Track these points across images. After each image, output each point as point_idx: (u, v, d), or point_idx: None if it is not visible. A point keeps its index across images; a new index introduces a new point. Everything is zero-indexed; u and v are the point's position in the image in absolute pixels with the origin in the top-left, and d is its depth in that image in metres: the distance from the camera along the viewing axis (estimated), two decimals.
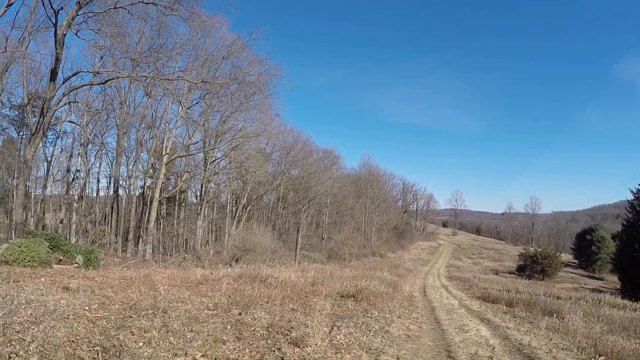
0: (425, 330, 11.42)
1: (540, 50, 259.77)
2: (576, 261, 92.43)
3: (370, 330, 9.66)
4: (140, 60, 25.76)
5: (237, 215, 45.62)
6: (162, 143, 34.85)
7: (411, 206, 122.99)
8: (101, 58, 31.12)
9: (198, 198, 44.97)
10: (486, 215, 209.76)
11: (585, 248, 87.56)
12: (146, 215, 34.97)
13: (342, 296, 14.43)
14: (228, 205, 49.81)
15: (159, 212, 39.88)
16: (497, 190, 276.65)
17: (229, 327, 8.14)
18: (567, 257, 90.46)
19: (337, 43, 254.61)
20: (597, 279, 72.24)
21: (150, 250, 33.26)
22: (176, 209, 45.69)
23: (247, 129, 38.94)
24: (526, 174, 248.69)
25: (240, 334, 7.84)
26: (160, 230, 40.20)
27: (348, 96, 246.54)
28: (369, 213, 76.26)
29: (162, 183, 38.39)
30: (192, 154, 38.72)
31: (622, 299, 24.83)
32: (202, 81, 24.40)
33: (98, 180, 43.68)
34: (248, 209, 48.07)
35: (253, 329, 8.33)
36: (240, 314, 9.42)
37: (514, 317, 15.30)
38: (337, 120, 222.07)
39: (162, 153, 34.25)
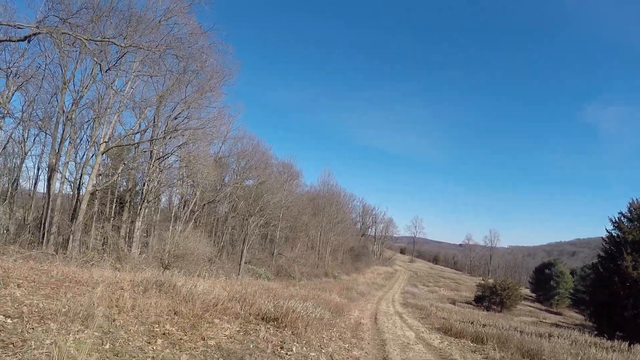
0: None
1: (507, 88, 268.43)
2: (533, 295, 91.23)
3: None
4: (69, 20, 21.70)
5: (184, 220, 41.24)
6: (102, 129, 30.56)
7: (369, 230, 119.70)
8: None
9: (136, 196, 40.51)
10: (444, 245, 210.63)
11: (543, 282, 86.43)
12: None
13: (263, 319, 10.56)
14: (172, 208, 45.79)
15: (102, 211, 35.62)
16: (456, 222, 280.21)
17: None
18: (524, 290, 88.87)
19: (305, 65, 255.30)
20: (555, 313, 70.76)
21: (77, 248, 28.83)
22: (116, 208, 41.01)
23: (198, 126, 34.82)
24: (485, 207, 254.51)
25: None
26: (98, 229, 35.59)
27: (312, 117, 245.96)
28: (325, 232, 72.39)
29: (101, 176, 34.11)
30: (129, 144, 34.18)
31: (595, 336, 21.91)
32: (132, 45, 20.43)
33: (38, 169, 38.70)
34: (195, 215, 43.71)
35: None
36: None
37: (487, 358, 11.76)
38: (300, 139, 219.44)
39: (99, 140, 29.96)
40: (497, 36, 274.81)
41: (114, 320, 7.08)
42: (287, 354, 7.54)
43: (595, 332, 27.92)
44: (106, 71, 25.98)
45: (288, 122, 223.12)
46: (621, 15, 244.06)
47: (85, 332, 6.07)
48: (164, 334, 7.11)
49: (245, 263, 44.20)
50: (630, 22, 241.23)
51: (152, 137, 34.74)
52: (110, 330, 6.45)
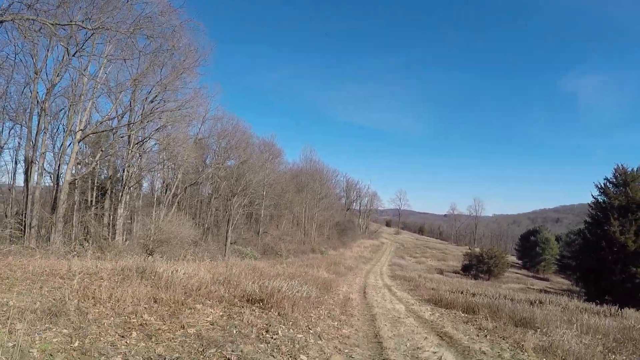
0: None
1: (489, 62, 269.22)
2: (519, 262, 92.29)
3: None
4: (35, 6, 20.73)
5: (167, 204, 40.54)
6: (78, 117, 29.62)
7: (354, 204, 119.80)
8: None
9: (116, 184, 39.66)
10: (429, 216, 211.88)
11: (529, 249, 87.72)
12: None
13: (248, 300, 10.18)
14: (154, 193, 45.09)
15: (84, 200, 34.78)
16: (440, 193, 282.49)
17: None
18: (510, 258, 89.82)
19: (281, 45, 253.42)
20: (542, 279, 71.74)
21: (59, 240, 28.07)
22: (98, 196, 40.10)
23: (175, 108, 33.92)
24: (469, 178, 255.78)
25: None
26: (80, 219, 34.75)
27: (292, 96, 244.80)
28: (309, 208, 72.08)
29: (80, 165, 33.34)
30: (105, 131, 33.24)
31: (584, 302, 21.95)
32: (100, 27, 19.62)
33: (15, 162, 37.60)
34: (178, 199, 43.02)
35: None
36: None
37: (480, 329, 11.46)
38: (280, 120, 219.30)
39: (75, 129, 29.05)
40: (475, 11, 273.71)
41: (87, 314, 6.63)
42: (272, 337, 7.14)
43: (585, 298, 28.00)
44: (73, 55, 25.15)
45: (268, 103, 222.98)
46: None
47: (54, 330, 5.63)
48: (141, 324, 6.69)
49: (231, 244, 43.82)
50: None
51: (129, 121, 33.90)
52: (82, 325, 6.00)
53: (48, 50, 27.12)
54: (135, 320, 6.89)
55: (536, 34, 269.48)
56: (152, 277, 11.09)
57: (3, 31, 23.55)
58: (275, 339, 7.06)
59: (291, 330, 7.85)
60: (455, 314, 14.46)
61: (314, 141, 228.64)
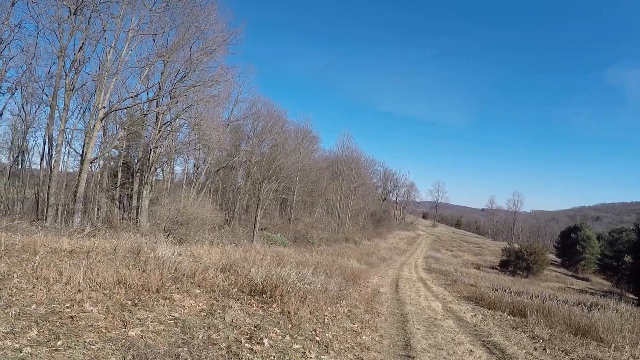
0: None
1: (531, 56, 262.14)
2: (558, 260, 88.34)
3: None
4: None
5: (195, 187, 39.19)
6: (101, 93, 28.27)
7: (391, 194, 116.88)
8: None
9: (145, 165, 38.47)
10: (466, 209, 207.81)
11: (569, 247, 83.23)
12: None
13: (251, 292, 8.25)
14: (184, 175, 43.95)
15: (112, 182, 33.91)
16: (478, 187, 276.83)
17: None
18: (549, 255, 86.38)
19: (320, 35, 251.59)
20: (582, 279, 68.09)
21: (78, 220, 26.88)
22: (127, 178, 39.07)
23: (202, 83, 32.26)
24: (507, 172, 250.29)
25: None
26: (101, 200, 33.74)
27: (332, 84, 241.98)
28: (344, 197, 69.94)
29: (103, 144, 32.34)
30: (127, 108, 31.77)
31: (637, 305, 19.31)
32: None
33: (44, 143, 37.15)
34: (207, 181, 41.61)
35: None
36: None
37: (534, 338, 9.38)
38: (319, 108, 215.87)
39: (97, 106, 27.72)
40: (519, 4, 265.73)
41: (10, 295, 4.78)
42: (252, 349, 5.09)
43: (638, 301, 25.04)
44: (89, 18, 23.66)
45: (305, 91, 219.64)
46: None
47: None
48: (70, 318, 4.80)
49: (261, 230, 42.26)
50: None
51: (155, 100, 32.43)
52: None
53: (73, 28, 25.70)
54: (68, 310, 5.03)
55: (580, 26, 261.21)
56: (142, 259, 9.35)
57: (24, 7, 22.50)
58: (254, 353, 5.01)
59: (287, 338, 5.80)
60: (500, 316, 12.28)
61: (353, 130, 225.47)
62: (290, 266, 10.13)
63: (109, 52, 27.37)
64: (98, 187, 36.01)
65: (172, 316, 5.72)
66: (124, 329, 4.89)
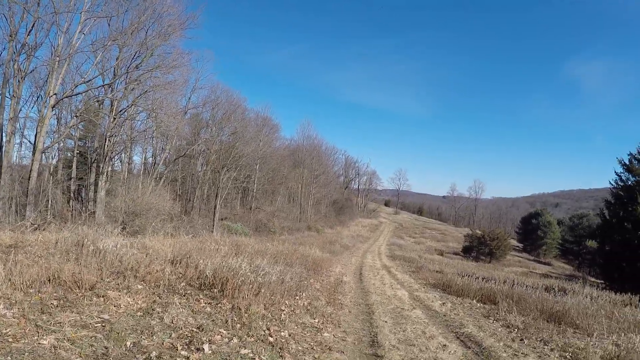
0: None
1: (492, 46, 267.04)
2: (520, 245, 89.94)
3: None
4: None
5: (152, 176, 37.74)
6: (52, 79, 26.65)
7: (353, 182, 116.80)
8: None
9: (101, 155, 36.87)
10: (428, 197, 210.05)
11: (530, 232, 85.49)
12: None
13: (201, 286, 7.37)
14: (142, 165, 42.54)
15: (66, 174, 32.40)
16: (439, 175, 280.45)
17: None
18: (511, 241, 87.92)
19: (282, 25, 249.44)
20: (544, 263, 69.47)
21: (32, 214, 25.37)
22: (83, 169, 37.37)
23: (156, 67, 30.84)
24: (468, 160, 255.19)
25: None
26: (52, 191, 32.12)
27: (295, 75, 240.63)
28: (306, 185, 69.18)
29: (55, 134, 30.88)
30: (80, 93, 30.12)
31: (603, 289, 18.99)
32: None
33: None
34: (166, 171, 40.22)
35: None
36: None
37: (509, 327, 8.81)
38: (282, 98, 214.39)
39: (49, 93, 26.11)
40: None
41: None
42: (188, 358, 4.24)
43: (603, 285, 24.97)
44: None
45: (268, 83, 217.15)
46: None
47: None
48: None
49: (222, 219, 41.15)
50: None
51: (110, 87, 30.88)
52: None
53: (24, 11, 24.10)
54: None
55: (541, 18, 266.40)
56: (84, 253, 8.41)
57: None
58: None
59: (234, 340, 4.93)
60: (470, 304, 11.71)
61: (314, 120, 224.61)
62: (244, 256, 9.27)
63: (61, 37, 25.90)
64: (51, 178, 34.42)
65: (100, 318, 4.84)
66: (36, 337, 3.99)
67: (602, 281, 30.63)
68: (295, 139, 76.19)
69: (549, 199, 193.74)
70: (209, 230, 32.95)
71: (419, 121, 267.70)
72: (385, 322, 8.22)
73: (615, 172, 31.44)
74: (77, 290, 5.76)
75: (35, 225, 18.90)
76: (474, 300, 12.17)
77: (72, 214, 26.57)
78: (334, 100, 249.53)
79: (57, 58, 25.24)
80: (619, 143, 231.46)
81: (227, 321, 5.55)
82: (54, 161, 35.37)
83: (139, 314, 5.34)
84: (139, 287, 6.66)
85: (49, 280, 5.91)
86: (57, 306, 5.03)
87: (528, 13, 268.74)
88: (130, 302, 5.71)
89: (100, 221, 25.88)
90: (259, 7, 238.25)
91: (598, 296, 14.55)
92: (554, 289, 15.56)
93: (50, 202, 31.10)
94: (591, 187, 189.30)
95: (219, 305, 6.36)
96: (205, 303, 6.39)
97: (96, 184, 33.70)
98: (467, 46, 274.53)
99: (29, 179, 26.14)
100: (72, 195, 36.13)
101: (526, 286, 14.63)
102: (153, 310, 5.55)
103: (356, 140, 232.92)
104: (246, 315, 5.91)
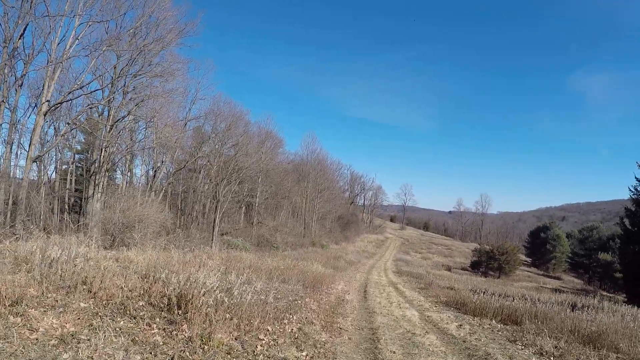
0: None
1: (497, 60, 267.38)
2: (528, 259, 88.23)
3: None
4: None
5: (150, 189, 36.45)
6: (45, 86, 25.58)
7: (358, 197, 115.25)
8: None
9: (95, 165, 35.79)
10: (434, 212, 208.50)
11: (538, 246, 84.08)
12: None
13: (163, 307, 5.84)
14: (142, 177, 41.32)
15: (62, 185, 32.42)
16: (445, 190, 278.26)
17: None
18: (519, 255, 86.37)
19: (286, 40, 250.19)
20: (554, 277, 67.95)
21: (20, 224, 24.23)
22: (82, 180, 36.37)
23: (156, 75, 29.81)
24: (474, 175, 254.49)
25: None
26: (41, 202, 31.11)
27: (299, 89, 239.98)
28: (310, 199, 67.81)
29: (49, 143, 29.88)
30: (67, 101, 28.96)
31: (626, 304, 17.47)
32: None
33: None
34: (165, 183, 38.98)
35: None
36: None
37: (541, 354, 7.62)
38: (286, 112, 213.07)
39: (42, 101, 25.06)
40: (484, 8, 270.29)
41: None
42: None
43: (625, 299, 23.28)
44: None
45: (272, 97, 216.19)
46: None
47: None
48: None
49: (223, 234, 39.81)
50: None
51: (103, 89, 29.84)
52: None
53: (20, 15, 23.09)
54: None
55: (545, 32, 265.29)
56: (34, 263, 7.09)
57: None
58: None
59: None
60: (490, 325, 10.18)
61: (319, 134, 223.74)
62: (233, 271, 7.75)
63: (54, 41, 24.89)
64: (44, 187, 33.45)
65: None
66: None
67: (616, 294, 29.00)
68: (300, 153, 74.98)
69: (556, 212, 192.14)
70: (207, 245, 31.64)
71: (425, 136, 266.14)
72: (394, 352, 6.63)
73: (635, 177, 29.92)
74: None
75: (17, 236, 17.64)
76: (494, 321, 10.66)
77: (66, 226, 25.35)
78: (339, 114, 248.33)
79: (51, 64, 24.22)
80: (625, 156, 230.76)
81: (172, 359, 4.04)
82: (52, 173, 34.50)
83: (52, 342, 3.87)
84: (82, 305, 5.24)
85: None
86: None
87: (533, 27, 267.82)
88: (54, 325, 4.27)
89: (92, 233, 24.51)
90: (264, 21, 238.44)
91: (629, 313, 12.97)
92: (577, 305, 14.08)
93: (42, 213, 30.02)
94: (599, 200, 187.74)
95: (176, 332, 4.86)
96: (158, 329, 4.90)
97: (92, 195, 32.66)
98: (473, 60, 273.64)
99: (19, 189, 25.15)
100: (67, 207, 35.11)
101: (551, 303, 13.06)
102: (76, 338, 4.05)
103: (361, 155, 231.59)
104: (204, 348, 4.38)
